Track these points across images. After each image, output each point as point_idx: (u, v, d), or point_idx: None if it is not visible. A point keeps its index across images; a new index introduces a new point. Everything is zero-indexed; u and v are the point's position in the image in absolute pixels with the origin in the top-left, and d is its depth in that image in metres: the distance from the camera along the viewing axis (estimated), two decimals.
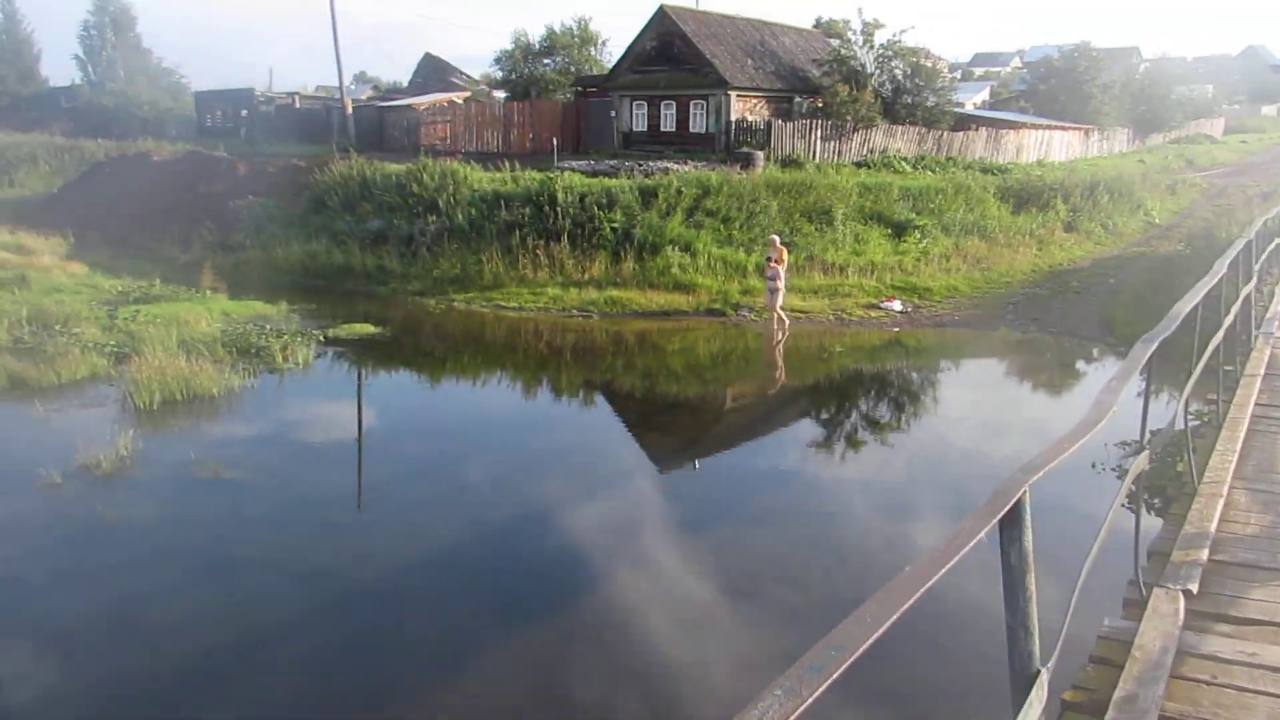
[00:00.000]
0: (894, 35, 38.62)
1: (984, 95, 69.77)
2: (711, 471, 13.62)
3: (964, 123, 41.51)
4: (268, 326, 19.50)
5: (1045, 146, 42.95)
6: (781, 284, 21.03)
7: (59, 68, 69.29)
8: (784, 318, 21.23)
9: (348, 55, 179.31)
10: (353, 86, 66.96)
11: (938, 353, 20.79)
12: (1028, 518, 3.51)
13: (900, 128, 37.22)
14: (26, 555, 10.04)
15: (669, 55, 36.44)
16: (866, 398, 17.62)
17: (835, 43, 39.00)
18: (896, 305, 23.15)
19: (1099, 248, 29.15)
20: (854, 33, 38.59)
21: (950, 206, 29.00)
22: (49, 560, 9.97)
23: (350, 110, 44.83)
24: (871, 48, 38.68)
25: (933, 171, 34.81)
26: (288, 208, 30.91)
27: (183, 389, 15.35)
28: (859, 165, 34.78)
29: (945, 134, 38.48)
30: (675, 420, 16.74)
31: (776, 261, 22.65)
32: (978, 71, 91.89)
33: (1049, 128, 44.74)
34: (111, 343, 17.82)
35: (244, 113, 51.41)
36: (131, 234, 32.21)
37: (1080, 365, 19.53)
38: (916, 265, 25.73)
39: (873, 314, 22.68)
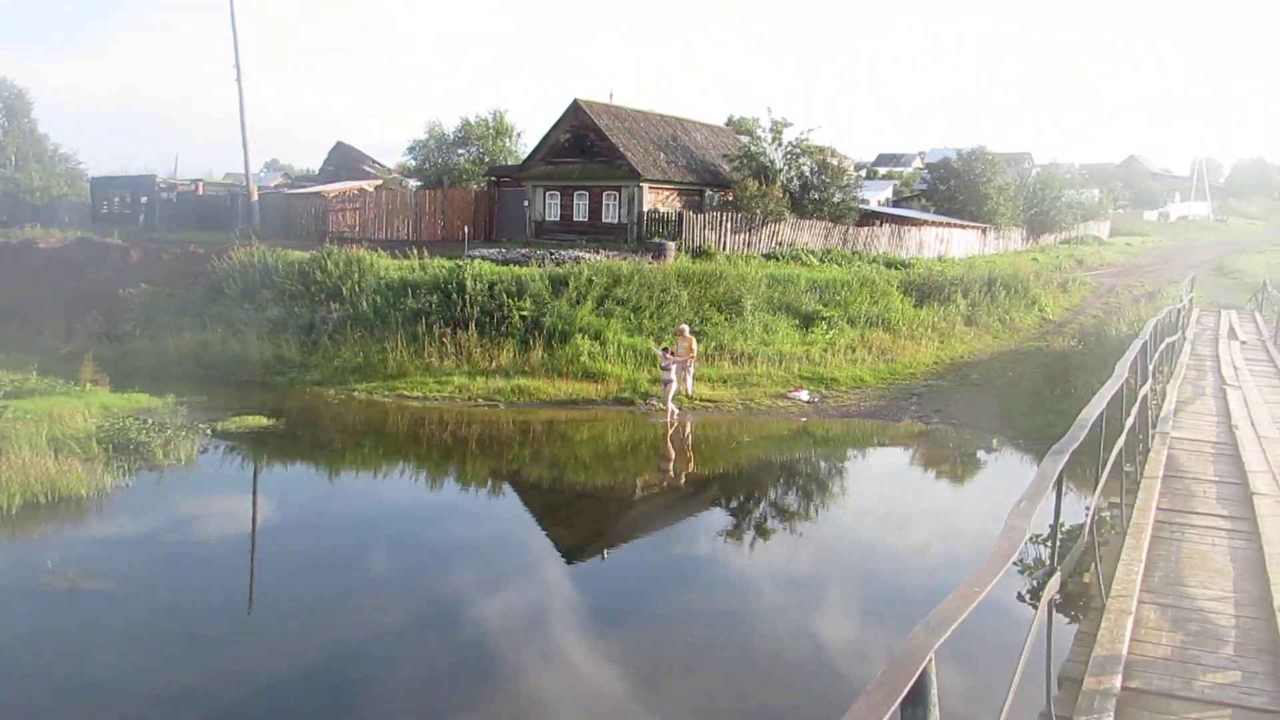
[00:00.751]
0: (802, 133, 39.88)
1: (887, 193, 72.49)
2: (616, 565, 13.05)
3: (869, 218, 42.80)
4: (149, 421, 18.34)
5: (945, 243, 44.52)
6: (675, 375, 20.87)
7: None
8: (674, 409, 20.99)
9: (258, 142, 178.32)
10: (262, 173, 66.16)
11: (844, 443, 20.76)
12: (933, 695, 2.88)
13: (808, 222, 38.12)
14: None
15: (583, 147, 36.83)
16: (773, 488, 17.35)
17: (745, 139, 40.09)
18: (804, 395, 23.17)
19: (997, 341, 29.96)
20: (763, 130, 39.73)
21: (856, 299, 29.55)
22: None
23: (256, 197, 43.93)
24: (780, 145, 39.78)
25: (839, 265, 35.59)
26: (182, 296, 29.74)
27: (47, 490, 14.17)
28: (768, 257, 35.37)
29: (851, 229, 39.56)
30: (580, 511, 16.16)
31: (687, 351, 22.62)
32: (881, 171, 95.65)
33: (949, 225, 46.47)
34: None
35: (144, 199, 49.83)
36: (10, 325, 30.48)
37: (981, 456, 19.67)
38: (824, 356, 25.94)
39: (781, 403, 22.63)
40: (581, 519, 15.77)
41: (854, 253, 38.26)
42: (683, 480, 18.04)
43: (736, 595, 11.67)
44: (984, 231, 50.44)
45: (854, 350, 26.69)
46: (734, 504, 16.49)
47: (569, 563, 13.26)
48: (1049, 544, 6.13)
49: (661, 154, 37.95)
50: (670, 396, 20.90)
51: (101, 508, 14.18)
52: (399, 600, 11.49)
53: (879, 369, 25.79)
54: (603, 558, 13.44)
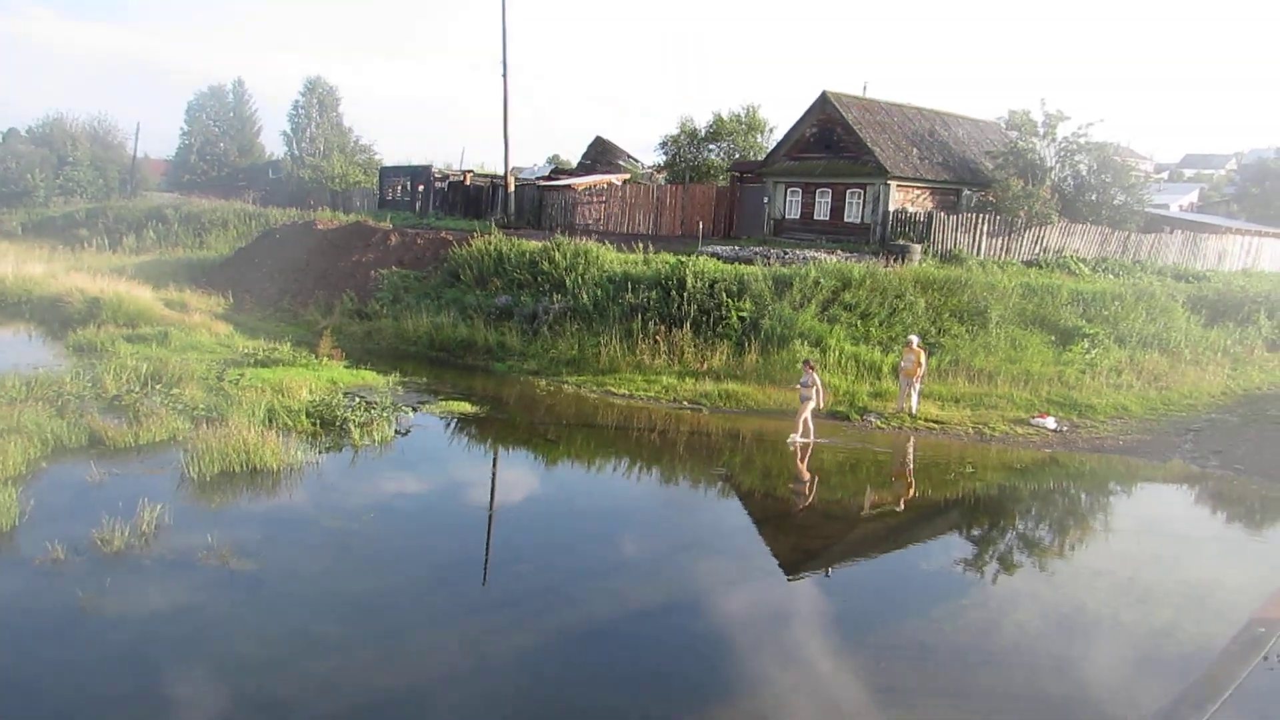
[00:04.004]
0: (1079, 128, 35.54)
1: (1192, 198, 64.09)
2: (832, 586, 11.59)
3: (1156, 224, 37.53)
4: (358, 400, 18.95)
5: (1253, 254, 38.13)
6: (815, 396, 18.65)
7: (278, 143, 75.76)
8: (810, 429, 18.82)
9: (547, 139, 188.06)
10: (538, 166, 69.17)
11: (1090, 483, 17.72)
12: None
13: (1080, 226, 33.87)
14: None
15: (828, 142, 34.91)
16: (982, 534, 14.81)
17: (1014, 134, 36.33)
18: (1050, 423, 20.22)
19: None
20: (1035, 124, 35.76)
21: (1128, 315, 25.68)
22: None
23: (512, 188, 45.69)
24: (1053, 140, 35.72)
25: (1115, 275, 31.31)
26: (424, 279, 31.18)
27: (242, 461, 14.80)
28: (1029, 264, 31.78)
29: (1133, 235, 34.72)
30: (764, 534, 14.70)
31: (914, 365, 20.43)
32: (1188, 173, 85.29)
33: (1259, 234, 39.83)
34: (202, 406, 17.66)
35: (420, 188, 53.61)
36: (283, 297, 33.44)
37: (1270, 516, 16.05)
38: (1080, 378, 22.63)
39: (1020, 431, 19.86)
40: (778, 534, 14.36)
41: (1135, 262, 33.52)
42: (864, 511, 16.05)
43: (910, 666, 9.84)
44: None
45: (1119, 373, 23.11)
46: (924, 545, 14.32)
47: (788, 575, 12.29)
48: None
49: (915, 149, 35.19)
50: (805, 415, 18.77)
51: (285, 484, 14.57)
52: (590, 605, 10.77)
53: (1149, 397, 22.12)
54: (826, 574, 12.26)
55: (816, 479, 17.10)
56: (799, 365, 22.72)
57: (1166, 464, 17.97)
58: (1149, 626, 10.73)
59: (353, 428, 17.16)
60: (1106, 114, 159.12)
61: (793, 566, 12.90)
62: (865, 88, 37.46)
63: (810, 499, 16.20)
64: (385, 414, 18.44)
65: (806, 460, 17.99)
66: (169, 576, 10.92)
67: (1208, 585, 11.97)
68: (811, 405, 18.72)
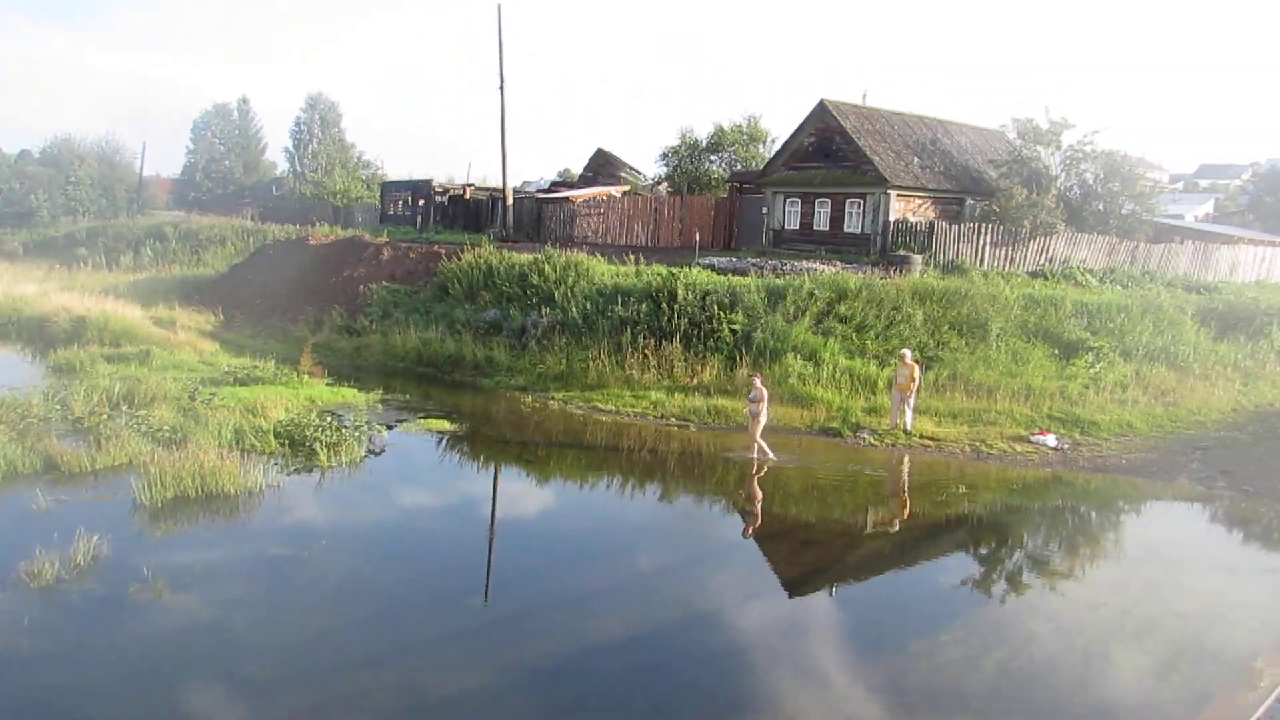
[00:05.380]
0: (1085, 135, 34.74)
1: (1207, 208, 63.13)
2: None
3: (1166, 234, 36.61)
4: (330, 419, 18.31)
5: (1267, 265, 37.14)
6: (764, 411, 17.85)
7: (283, 160, 76.15)
8: (765, 449, 17.94)
9: (553, 152, 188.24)
10: (543, 180, 68.77)
11: (1090, 506, 16.89)
12: None
13: (1086, 236, 33.04)
14: None
15: (827, 151, 34.25)
16: (969, 562, 14.01)
17: (1018, 141, 35.54)
18: (1050, 440, 19.41)
19: None
20: (1040, 131, 34.94)
21: (1135, 327, 24.83)
22: None
23: (510, 201, 45.22)
24: (1058, 148, 34.93)
25: (1123, 287, 30.44)
26: (415, 294, 30.66)
27: (198, 486, 14.19)
28: (1034, 275, 30.97)
29: (1142, 245, 33.82)
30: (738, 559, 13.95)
31: (907, 380, 19.68)
32: (1203, 183, 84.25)
33: (1273, 244, 38.85)
34: (167, 428, 17.08)
35: (421, 202, 53.25)
36: (274, 314, 32.99)
37: (1278, 541, 15.23)
38: (1083, 394, 21.80)
39: (1019, 449, 19.04)
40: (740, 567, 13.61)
41: (1144, 273, 32.63)
42: (841, 535, 15.30)
43: (880, 710, 9.09)
44: None
45: (1124, 388, 22.27)
46: (903, 574, 13.55)
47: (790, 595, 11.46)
48: None
49: (915, 158, 34.47)
50: (756, 431, 17.98)
51: (241, 509, 13.94)
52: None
53: (1155, 414, 21.26)
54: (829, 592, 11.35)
55: (802, 500, 16.35)
56: (790, 381, 22.13)
57: (1172, 484, 17.12)
58: (1140, 668, 9.93)
59: (319, 449, 16.53)
60: (1120, 123, 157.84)
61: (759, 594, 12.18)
62: (865, 96, 36.89)
63: (775, 521, 15.46)
64: (358, 433, 17.83)
65: (759, 477, 17.25)
66: (95, 613, 10.26)
67: (1208, 620, 11.15)
68: (762, 420, 17.97)
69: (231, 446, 16.31)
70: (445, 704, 8.99)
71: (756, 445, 18.05)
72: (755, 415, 17.97)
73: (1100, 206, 34.65)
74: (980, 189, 35.22)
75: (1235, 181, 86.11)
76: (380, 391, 22.93)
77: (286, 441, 17.25)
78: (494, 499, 16.53)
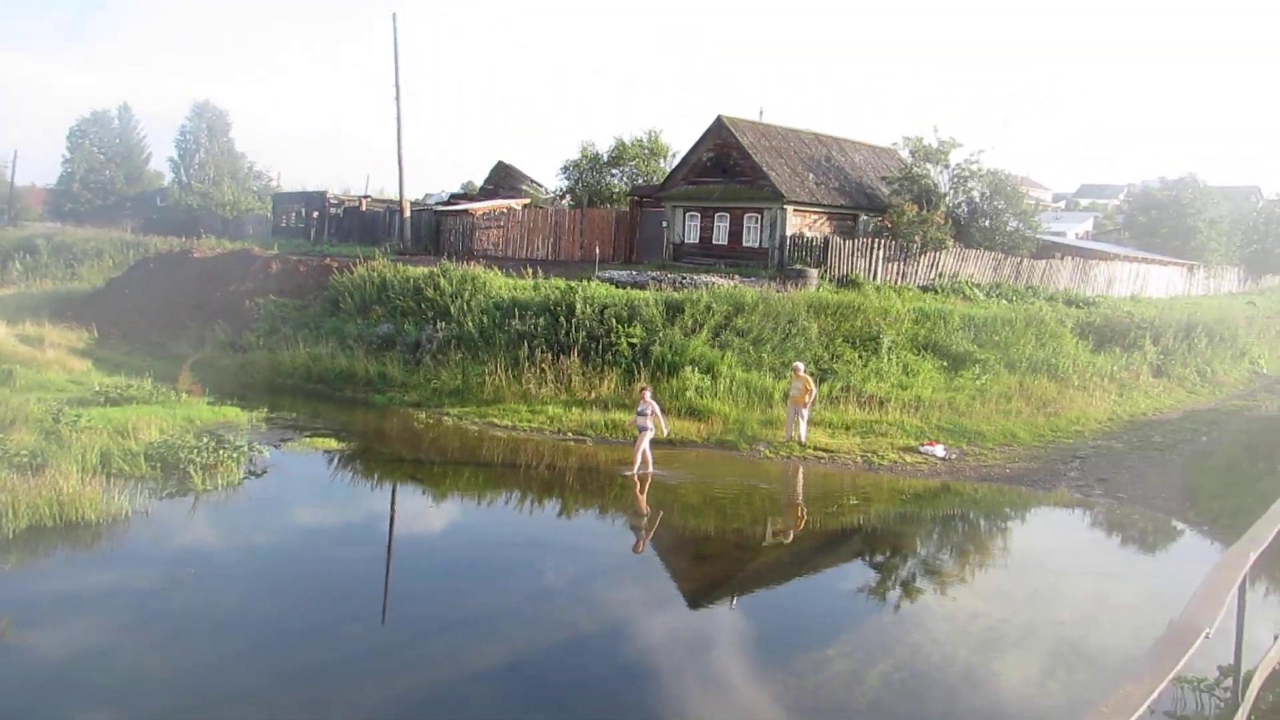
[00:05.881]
0: (971, 155, 36.07)
1: (1087, 226, 66.30)
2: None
3: (1048, 251, 38.20)
4: (207, 440, 17.40)
5: (1140, 280, 39.15)
6: (651, 424, 17.79)
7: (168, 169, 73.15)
8: (649, 461, 17.87)
9: (458, 166, 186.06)
10: (444, 192, 67.64)
11: (975, 515, 17.32)
12: None
13: (974, 252, 34.24)
14: None
15: (725, 166, 34.64)
16: (857, 571, 14.17)
17: (909, 159, 36.61)
18: (939, 451, 19.84)
19: (1192, 397, 25.28)
20: (929, 149, 36.04)
21: (1018, 340, 25.74)
22: None
23: (408, 214, 44.36)
24: (947, 167, 36.11)
25: (1008, 301, 31.58)
26: (305, 309, 29.66)
27: (55, 514, 13.26)
28: (925, 289, 31.90)
29: (1026, 261, 35.25)
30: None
31: (802, 393, 19.84)
32: (1083, 202, 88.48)
33: (1146, 261, 40.98)
34: (25, 452, 15.93)
35: (315, 214, 51.81)
36: (153, 330, 31.46)
37: (1150, 547, 15.74)
38: (970, 404, 22.42)
39: (909, 459, 19.40)
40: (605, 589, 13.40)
41: (1028, 288, 34.01)
42: (724, 549, 15.30)
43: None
44: (1190, 269, 44.34)
45: (1009, 399, 22.99)
46: (792, 586, 13.58)
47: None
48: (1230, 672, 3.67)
49: (811, 175, 35.14)
50: (642, 445, 18.01)
51: (104, 538, 13.08)
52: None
53: (1037, 424, 21.99)
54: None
55: (704, 511, 16.27)
56: (688, 394, 22.12)
57: (1052, 492, 17.64)
58: (1020, 676, 10.07)
59: (193, 471, 15.68)
60: (1007, 144, 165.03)
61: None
62: (761, 112, 37.47)
63: (670, 535, 15.35)
64: (237, 454, 16.98)
65: (646, 493, 17.14)
66: None
67: (1088, 627, 11.43)
68: (650, 434, 17.88)
69: (96, 471, 15.29)
70: None
71: (639, 458, 17.86)
72: (643, 429, 17.82)
73: (987, 223, 35.96)
74: (873, 205, 36.11)
75: (1113, 201, 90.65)
76: (265, 410, 22.00)
77: (158, 464, 16.30)
78: (387, 520, 16.00)
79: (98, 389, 22.33)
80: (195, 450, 16.57)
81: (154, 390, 22.51)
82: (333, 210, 51.19)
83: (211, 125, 68.98)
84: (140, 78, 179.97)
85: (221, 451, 16.83)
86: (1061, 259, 36.89)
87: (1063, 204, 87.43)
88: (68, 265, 45.39)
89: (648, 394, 18.32)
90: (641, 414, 17.84)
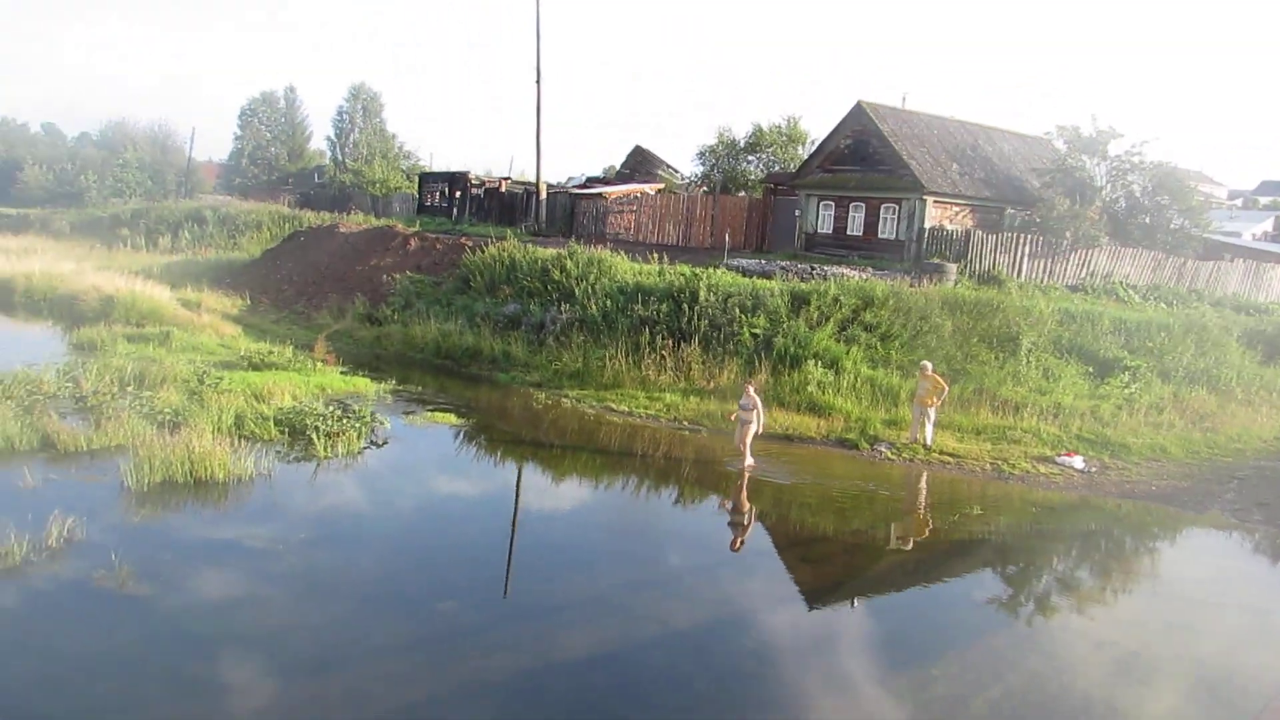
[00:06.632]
0: (1133, 146, 33.53)
1: (1266, 226, 60.93)
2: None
3: (1217, 252, 35.31)
4: (333, 408, 18.00)
5: None
6: (754, 418, 17.18)
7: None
8: (750, 459, 17.29)
9: (605, 149, 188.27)
10: (581, 175, 68.39)
11: (1112, 533, 16.04)
12: None
13: (1130, 250, 31.94)
14: None
15: (862, 154, 33.48)
16: (974, 589, 13.24)
17: (1062, 149, 34.44)
18: (1077, 462, 18.56)
19: None
20: (1085, 139, 33.79)
21: (1176, 347, 23.84)
22: None
23: (544, 195, 44.93)
24: (1104, 158, 33.77)
25: (1167, 304, 29.36)
26: (438, 285, 30.43)
27: (186, 471, 13.96)
28: (1074, 289, 29.99)
29: (1190, 262, 32.63)
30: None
31: (929, 393, 18.94)
32: (1263, 200, 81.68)
33: None
34: (169, 410, 16.90)
35: (457, 194, 53.21)
36: (299, 300, 32.98)
37: None
38: (1116, 415, 20.88)
39: (1043, 470, 18.23)
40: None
41: (1191, 291, 31.48)
42: (818, 560, 14.66)
43: None
44: None
45: (1160, 411, 21.31)
46: (900, 598, 12.88)
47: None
48: None
49: (954, 164, 33.56)
50: (747, 439, 17.33)
51: (228, 497, 13.68)
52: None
53: (1191, 439, 20.31)
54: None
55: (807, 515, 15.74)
56: (809, 389, 21.49)
57: (1203, 515, 16.22)
58: (1148, 713, 9.23)
59: (316, 438, 16.24)
60: (1177, 136, 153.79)
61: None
62: (904, 99, 36.01)
63: (775, 534, 14.86)
64: (360, 424, 17.51)
65: (750, 489, 16.62)
66: (54, 599, 10.02)
67: (1229, 662, 10.39)
68: (753, 429, 17.35)
69: (230, 432, 16.11)
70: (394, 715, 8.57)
71: (748, 452, 17.45)
72: (745, 423, 17.37)
73: (1147, 220, 33.50)
74: (1021, 198, 34.21)
75: None
76: (394, 382, 22.65)
77: (286, 429, 17.01)
78: (498, 499, 16.15)
79: (243, 354, 23.57)
80: (321, 418, 17.18)
81: (293, 358, 23.60)
82: (474, 190, 52.42)
83: (366, 106, 71.92)
84: (307, 64, 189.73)
85: (346, 420, 17.40)
86: (1232, 261, 34.02)
87: (1239, 201, 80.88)
88: (230, 235, 48.20)
89: (751, 387, 17.89)
90: (744, 407, 17.42)
